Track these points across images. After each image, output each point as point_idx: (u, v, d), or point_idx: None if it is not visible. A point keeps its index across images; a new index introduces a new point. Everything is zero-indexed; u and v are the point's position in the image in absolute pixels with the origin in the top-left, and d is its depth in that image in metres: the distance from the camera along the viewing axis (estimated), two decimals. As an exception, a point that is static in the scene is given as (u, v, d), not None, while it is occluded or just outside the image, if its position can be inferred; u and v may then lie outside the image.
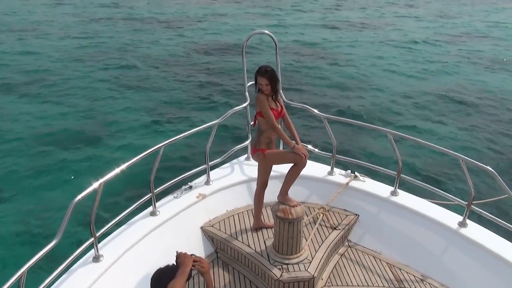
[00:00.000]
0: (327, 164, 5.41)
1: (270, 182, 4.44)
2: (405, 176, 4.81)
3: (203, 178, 5.08)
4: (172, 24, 25.85)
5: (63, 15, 27.81)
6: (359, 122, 5.33)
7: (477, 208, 4.29)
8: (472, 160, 4.13)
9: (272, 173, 4.43)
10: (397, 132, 4.83)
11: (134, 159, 3.92)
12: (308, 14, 29.96)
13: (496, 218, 4.17)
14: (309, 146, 5.29)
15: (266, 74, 4.05)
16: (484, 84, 15.52)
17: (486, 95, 14.21)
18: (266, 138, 4.19)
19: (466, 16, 30.71)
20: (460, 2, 37.49)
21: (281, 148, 5.33)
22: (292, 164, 4.22)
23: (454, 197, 4.48)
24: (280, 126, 4.22)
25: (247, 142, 5.37)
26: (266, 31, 5.29)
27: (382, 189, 4.99)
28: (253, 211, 4.70)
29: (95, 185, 3.53)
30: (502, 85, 15.35)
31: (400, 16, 30.20)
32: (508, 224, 4.10)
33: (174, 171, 4.95)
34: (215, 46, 20.54)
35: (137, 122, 11.63)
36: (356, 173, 5.23)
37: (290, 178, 4.23)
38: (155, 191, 4.34)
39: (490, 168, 3.99)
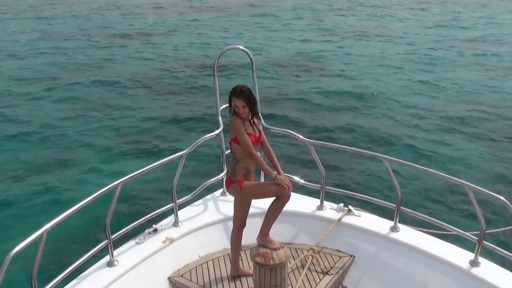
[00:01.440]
0: (316, 197, 5.39)
1: (249, 221, 4.38)
2: (406, 209, 4.81)
3: (170, 219, 4.99)
4: (140, 39, 26.07)
5: (14, 31, 27.77)
6: (350, 147, 5.37)
7: (489, 244, 4.30)
8: (481, 189, 4.17)
9: (251, 210, 4.37)
10: (394, 158, 4.86)
11: (85, 200, 3.84)
12: (293, 25, 30.57)
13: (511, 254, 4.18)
14: (294, 177, 5.27)
15: (242, 94, 4.05)
16: (496, 98, 15.92)
17: (496, 111, 14.54)
18: (243, 168, 4.16)
19: (472, 20, 31.82)
20: (459, 5, 38.92)
21: (262, 179, 5.30)
22: (274, 199, 4.18)
23: (463, 232, 4.50)
24: (259, 153, 4.20)
25: (222, 174, 5.33)
26: (240, 47, 5.36)
27: (380, 225, 4.98)
28: (230, 256, 4.61)
29: (38, 233, 3.42)
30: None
31: (398, 23, 31.09)
32: None
33: (136, 212, 4.88)
34: (187, 63, 20.70)
35: (92, 153, 11.47)
36: (349, 206, 5.23)
37: (272, 215, 4.18)
38: (112, 236, 4.23)
39: (502, 198, 4.03)
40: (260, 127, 4.33)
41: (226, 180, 4.33)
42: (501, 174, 10.55)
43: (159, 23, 31.29)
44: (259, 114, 4.34)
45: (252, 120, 4.18)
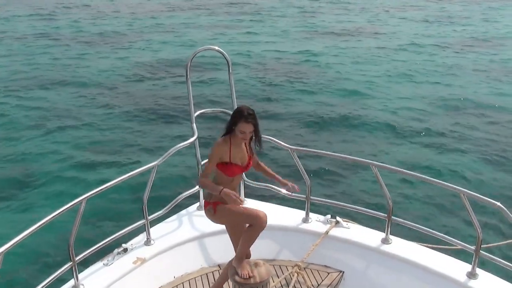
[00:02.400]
0: (301, 209, 5.40)
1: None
2: (398, 219, 4.85)
3: (141, 237, 4.94)
4: (108, 40, 25.94)
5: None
6: (337, 154, 5.39)
7: (487, 254, 4.36)
8: (476, 194, 4.22)
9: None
10: (384, 164, 4.91)
11: (46, 218, 3.78)
12: (274, 25, 30.74)
13: (511, 265, 4.24)
14: (276, 187, 5.27)
15: (252, 119, 3.97)
16: (494, 98, 16.23)
17: (492, 114, 14.81)
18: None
19: (465, 18, 32.43)
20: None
21: (242, 194, 5.28)
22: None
23: (459, 242, 4.55)
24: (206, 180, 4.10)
25: (198, 187, 5.30)
26: (216, 47, 5.34)
27: (370, 237, 5.00)
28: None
29: None
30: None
31: (387, 21, 31.50)
32: None
33: (103, 230, 4.82)
34: (159, 66, 20.64)
35: (53, 166, 11.31)
36: (337, 218, 5.25)
37: (246, 238, 4.11)
38: (76, 258, 4.17)
39: (499, 203, 4.09)
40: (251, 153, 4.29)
41: (204, 201, 4.28)
42: (497, 179, 10.73)
43: (128, 23, 31.15)
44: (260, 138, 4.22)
45: (249, 146, 4.19)
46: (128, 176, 4.50)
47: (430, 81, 18.50)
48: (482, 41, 25.95)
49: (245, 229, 4.14)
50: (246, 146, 4.19)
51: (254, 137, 4.12)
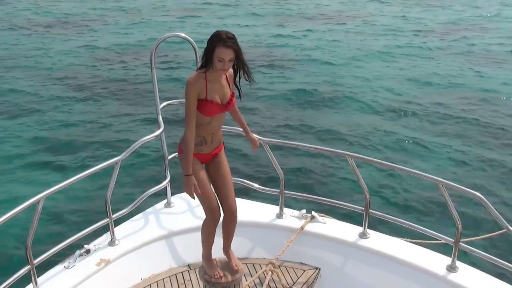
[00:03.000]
0: (274, 204, 5.42)
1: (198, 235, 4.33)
2: (375, 212, 4.91)
3: (105, 237, 4.89)
4: (66, 27, 25.60)
5: None
6: (311, 145, 5.43)
7: (467, 246, 4.45)
8: (455, 185, 4.30)
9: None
10: (360, 155, 4.95)
11: (1, 219, 3.70)
12: (246, 10, 30.64)
13: (491, 257, 4.34)
14: (248, 182, 5.28)
15: (232, 42, 3.71)
16: (474, 82, 16.54)
17: (470, 102, 15.09)
18: (197, 137, 3.95)
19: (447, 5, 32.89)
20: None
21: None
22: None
23: (438, 234, 4.63)
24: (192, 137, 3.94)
25: (165, 182, 5.28)
26: (182, 34, 5.29)
27: (348, 231, 5.05)
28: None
29: None
30: (494, 86, 16.39)
31: (365, 8, 31.72)
32: (506, 263, 4.28)
33: (63, 230, 4.75)
34: (122, 54, 20.42)
35: (7, 163, 11.09)
36: (313, 212, 5.28)
37: (203, 236, 4.16)
38: (35, 261, 4.10)
39: (478, 193, 4.17)
40: (232, 82, 4.05)
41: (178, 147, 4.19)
42: (477, 168, 10.96)
43: (87, 7, 30.65)
44: (251, 76, 4.00)
45: (234, 79, 3.97)
46: (90, 172, 4.44)
47: (409, 65, 18.77)
48: (463, 25, 26.39)
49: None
50: (228, 83, 3.98)
51: (237, 69, 3.89)
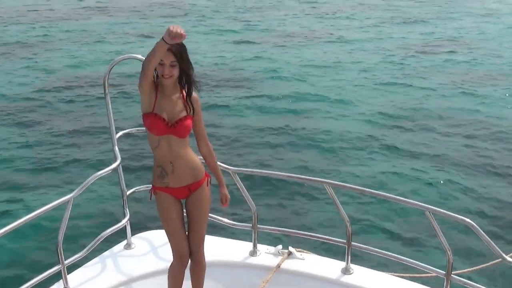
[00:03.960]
0: (247, 241, 5.37)
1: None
2: (358, 244, 4.90)
3: (57, 286, 4.76)
4: (12, 50, 25.23)
5: None
6: (285, 173, 5.42)
7: (460, 278, 4.46)
8: (443, 211, 4.33)
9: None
10: (339, 183, 4.96)
11: None
12: (213, 27, 30.86)
13: None
14: (217, 217, 5.23)
15: (173, 47, 3.72)
16: (458, 103, 16.90)
17: (458, 123, 15.38)
18: (157, 167, 4.04)
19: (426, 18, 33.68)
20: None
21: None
22: None
23: (428, 266, 4.64)
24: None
25: (124, 221, 5.18)
26: (138, 56, 5.26)
27: (329, 267, 5.03)
28: None
29: None
30: (483, 107, 16.74)
31: (338, 23, 32.26)
32: None
33: (10, 278, 4.60)
34: (72, 80, 20.21)
35: None
36: (290, 248, 5.25)
37: (169, 280, 4.13)
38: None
39: (469, 220, 4.20)
40: (196, 105, 4.04)
41: None
42: (466, 193, 11.10)
43: (35, 30, 30.45)
44: (196, 85, 4.01)
45: (183, 93, 3.96)
46: (38, 213, 4.34)
47: (388, 89, 19.06)
48: (442, 42, 27.06)
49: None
50: (186, 104, 3.96)
51: (184, 82, 3.91)
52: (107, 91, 5.07)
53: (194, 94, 4.06)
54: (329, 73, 21.08)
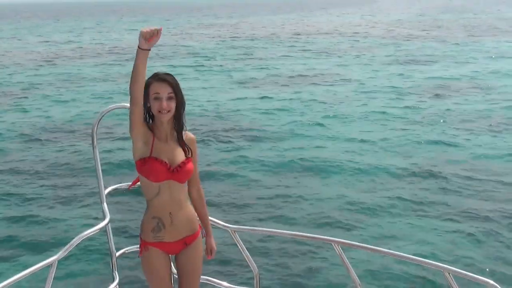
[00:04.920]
0: (248, 306, 5.30)
1: None
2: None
3: None
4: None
5: None
6: (288, 231, 5.38)
7: None
8: (464, 272, 4.27)
9: None
10: (347, 241, 4.91)
11: None
12: (204, 72, 31.27)
13: None
14: (216, 280, 5.18)
15: (168, 78, 3.81)
16: (469, 152, 16.91)
17: (469, 167, 15.37)
18: (152, 219, 3.98)
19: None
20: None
21: None
22: None
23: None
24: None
25: (113, 285, 5.12)
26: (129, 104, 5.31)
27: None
28: None
29: None
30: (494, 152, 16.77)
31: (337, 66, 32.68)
32: None
33: None
34: (58, 129, 20.48)
35: None
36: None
37: None
38: None
39: (492, 282, 4.15)
40: (194, 148, 4.08)
41: None
42: (488, 251, 10.99)
43: (15, 76, 30.83)
44: (184, 125, 4.06)
45: (177, 129, 3.98)
46: (18, 278, 4.29)
47: (397, 129, 19.15)
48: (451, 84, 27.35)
49: None
50: (184, 148, 3.98)
51: (177, 116, 3.92)
52: (95, 143, 5.08)
53: (191, 135, 4.11)
54: (337, 118, 21.23)
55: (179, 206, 4.00)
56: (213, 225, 5.13)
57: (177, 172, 3.91)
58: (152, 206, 3.95)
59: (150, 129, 3.92)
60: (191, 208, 4.14)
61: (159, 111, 3.80)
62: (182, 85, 3.98)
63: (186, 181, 4.05)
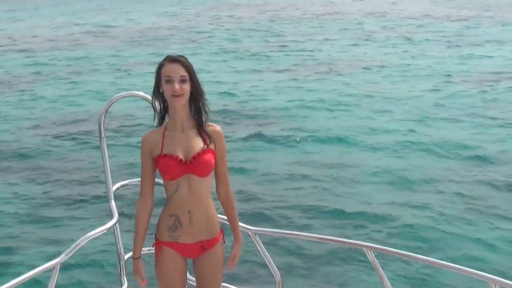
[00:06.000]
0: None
1: None
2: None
3: None
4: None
5: None
6: (314, 235, 5.37)
7: None
8: (510, 282, 4.24)
9: None
10: (381, 247, 4.89)
11: None
12: (218, 61, 31.33)
13: None
14: (232, 286, 5.19)
15: (181, 60, 3.85)
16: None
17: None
18: (169, 216, 3.98)
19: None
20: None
21: None
22: None
23: None
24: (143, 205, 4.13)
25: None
26: (140, 92, 5.31)
27: None
28: None
29: None
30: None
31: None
32: None
33: None
34: (63, 123, 20.65)
35: None
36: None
37: None
38: None
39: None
40: (215, 136, 4.00)
41: None
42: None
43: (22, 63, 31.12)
44: (203, 111, 4.01)
45: (197, 117, 3.96)
46: (20, 280, 4.34)
47: (433, 127, 19.00)
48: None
49: None
50: (204, 137, 3.94)
51: (194, 101, 3.92)
52: (103, 134, 5.08)
53: (218, 127, 4.04)
54: (369, 107, 21.13)
55: (199, 203, 3.96)
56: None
57: (191, 164, 3.86)
58: (170, 203, 3.96)
59: (162, 124, 4.03)
60: (212, 208, 4.08)
61: (172, 95, 3.78)
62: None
63: (210, 177, 4.00)
